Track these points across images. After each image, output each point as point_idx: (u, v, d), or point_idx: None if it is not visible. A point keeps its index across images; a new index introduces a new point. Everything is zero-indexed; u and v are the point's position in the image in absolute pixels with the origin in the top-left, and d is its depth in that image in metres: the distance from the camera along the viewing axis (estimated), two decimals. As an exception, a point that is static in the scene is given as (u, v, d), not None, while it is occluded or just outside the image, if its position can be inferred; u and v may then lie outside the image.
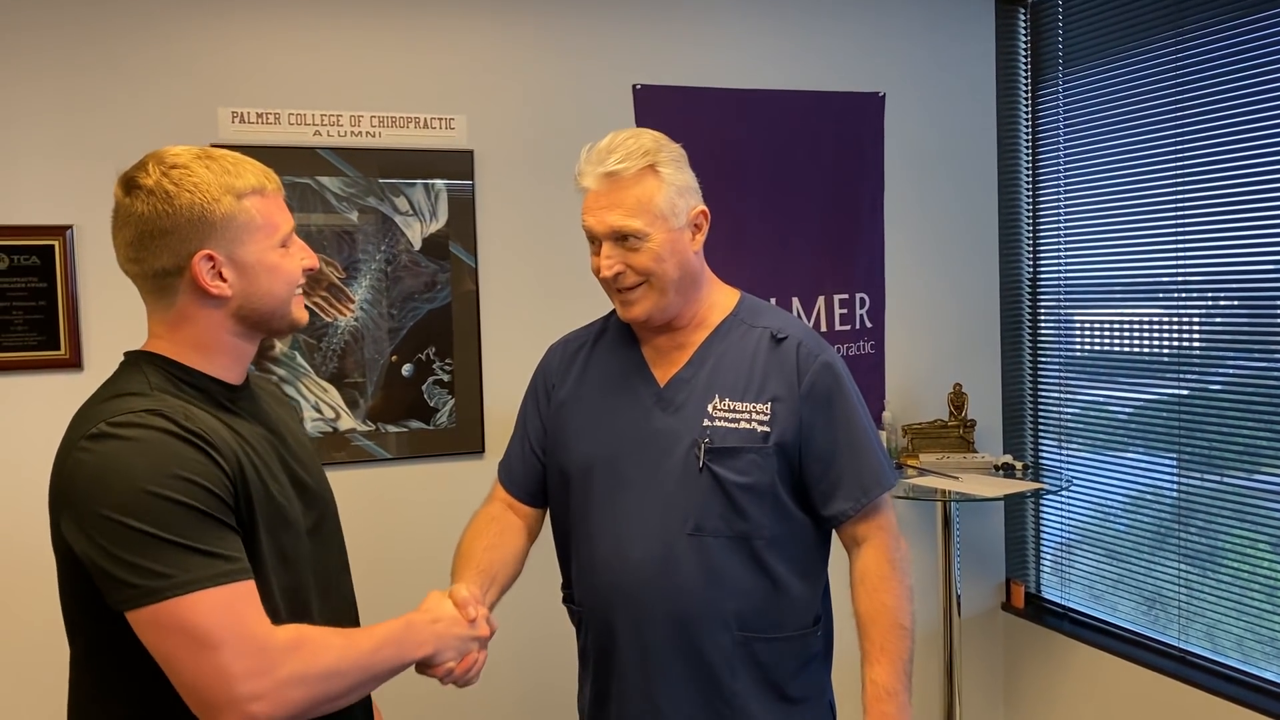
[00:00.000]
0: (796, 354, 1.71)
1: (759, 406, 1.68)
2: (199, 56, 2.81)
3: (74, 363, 2.70)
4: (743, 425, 1.68)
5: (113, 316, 2.73)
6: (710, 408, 1.70)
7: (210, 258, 1.32)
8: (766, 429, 1.67)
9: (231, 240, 1.33)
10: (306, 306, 1.53)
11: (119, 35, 2.74)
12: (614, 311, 1.87)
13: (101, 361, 2.73)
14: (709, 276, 1.79)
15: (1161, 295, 3.09)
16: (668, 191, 1.66)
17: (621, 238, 1.66)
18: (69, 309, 2.70)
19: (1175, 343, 3.05)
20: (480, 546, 1.77)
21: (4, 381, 2.66)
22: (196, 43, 2.80)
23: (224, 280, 1.34)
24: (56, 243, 2.69)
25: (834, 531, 1.78)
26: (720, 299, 1.79)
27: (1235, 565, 2.88)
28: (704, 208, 1.73)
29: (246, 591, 1.24)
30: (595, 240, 1.70)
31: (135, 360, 1.37)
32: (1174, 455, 3.05)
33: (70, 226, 2.70)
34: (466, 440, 3.03)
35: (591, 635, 1.78)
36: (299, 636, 1.27)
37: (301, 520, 1.43)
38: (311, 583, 1.42)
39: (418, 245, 2.98)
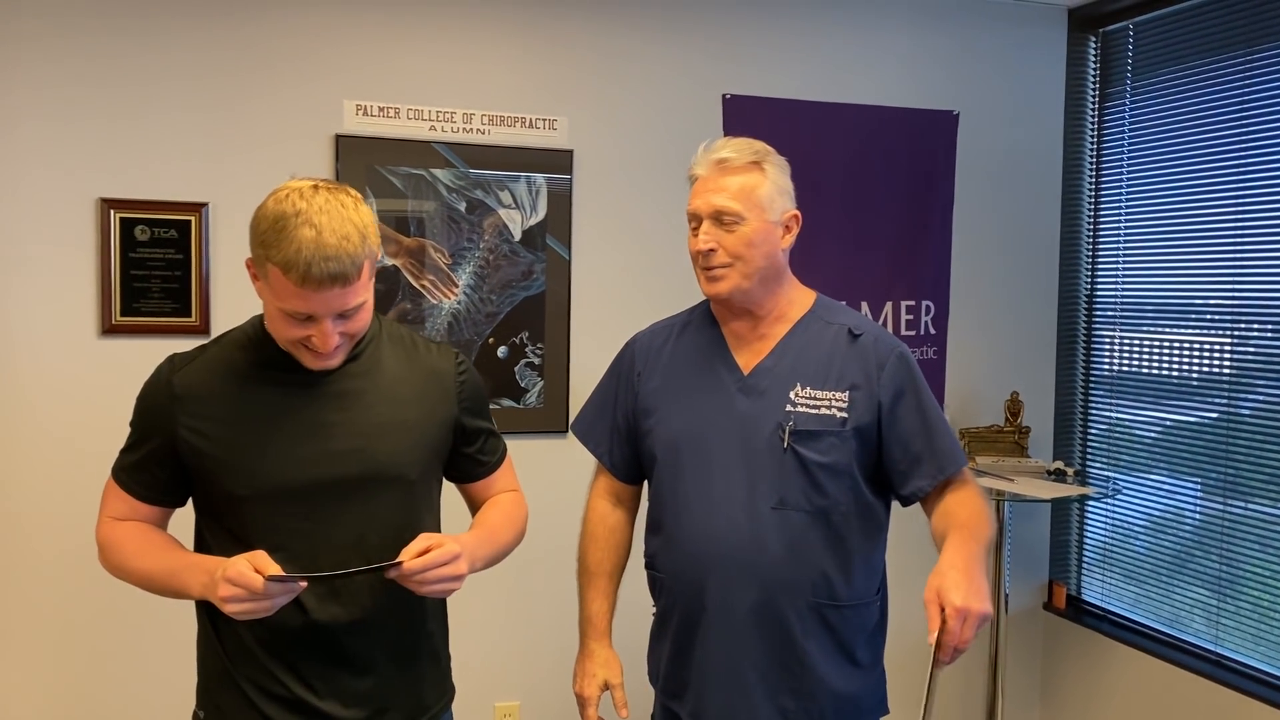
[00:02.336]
0: (874, 347, 1.89)
1: (838, 395, 1.86)
2: (329, 51, 3.02)
3: (203, 329, 2.92)
4: (823, 411, 1.85)
5: (240, 288, 2.94)
6: (793, 395, 1.87)
7: (253, 265, 1.56)
8: (845, 415, 1.85)
9: (259, 271, 1.54)
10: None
11: (255, 31, 2.96)
12: (698, 306, 2.05)
13: (228, 328, 2.95)
14: (791, 276, 1.97)
15: (1215, 318, 3.22)
16: (769, 187, 1.86)
17: (720, 218, 1.83)
18: (201, 280, 2.92)
19: (1226, 366, 3.18)
20: (606, 567, 2.06)
21: (141, 344, 2.89)
22: (327, 40, 3.01)
23: (258, 287, 1.58)
24: (193, 218, 2.91)
25: (920, 505, 1.93)
26: (799, 297, 1.96)
27: (1261, 592, 3.02)
28: (797, 212, 1.92)
29: (117, 491, 1.68)
30: (697, 220, 1.86)
31: (255, 321, 1.69)
32: (1218, 476, 3.17)
33: (206, 204, 2.92)
34: (553, 419, 3.23)
35: (677, 599, 1.94)
36: (106, 540, 1.68)
37: (294, 481, 1.61)
38: (294, 530, 1.61)
39: (517, 236, 3.18)
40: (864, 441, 1.87)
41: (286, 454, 1.60)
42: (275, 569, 1.48)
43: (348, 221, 1.48)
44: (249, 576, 1.45)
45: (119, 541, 1.66)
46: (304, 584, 1.50)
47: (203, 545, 1.69)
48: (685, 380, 1.96)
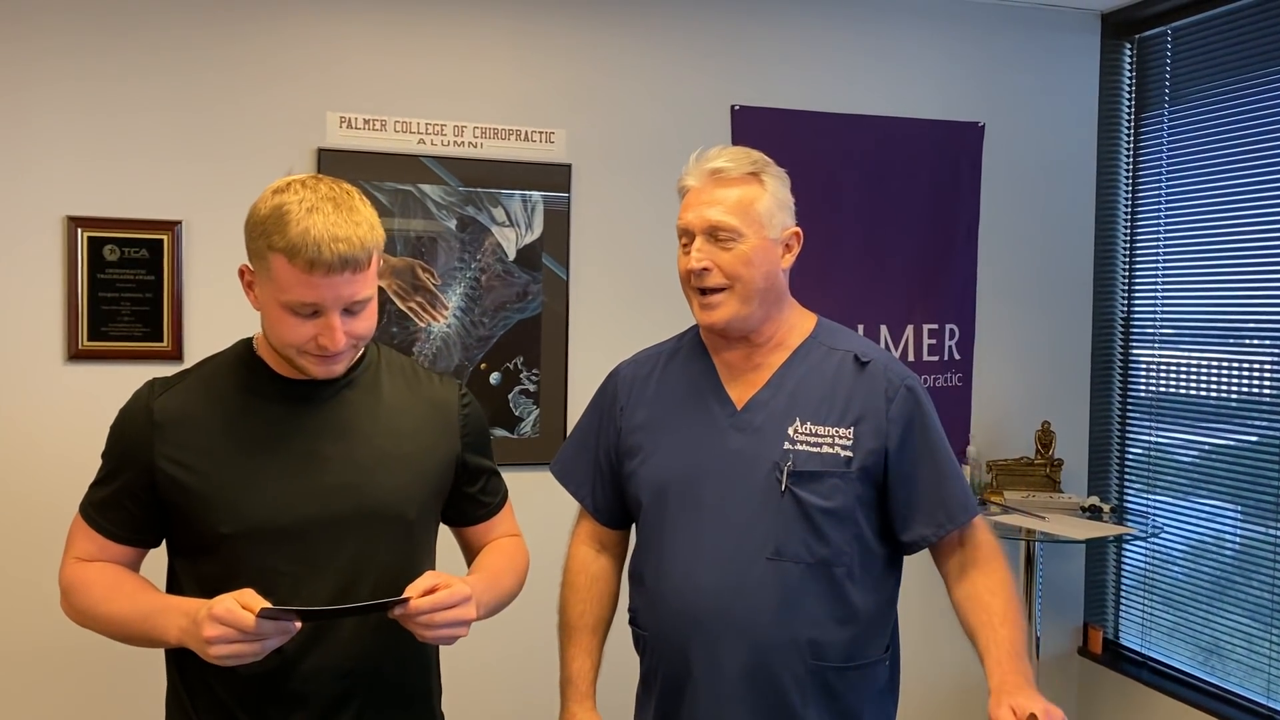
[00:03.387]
0: (884, 377, 1.70)
1: (842, 431, 1.68)
2: (311, 61, 2.87)
3: (175, 355, 2.77)
4: (825, 449, 1.67)
5: (215, 311, 2.79)
6: (791, 431, 1.69)
7: (248, 271, 1.47)
8: (849, 453, 1.66)
9: (258, 270, 1.45)
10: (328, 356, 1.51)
11: (233, 38, 2.81)
12: (687, 332, 1.87)
13: (201, 355, 2.77)
14: (791, 299, 1.79)
15: (1260, 339, 3.01)
16: (768, 201, 1.69)
17: (715, 235, 1.67)
18: (173, 302, 2.77)
19: (1268, 386, 2.97)
20: (587, 621, 1.87)
21: (109, 370, 2.73)
22: (308, 47, 2.86)
23: (254, 294, 1.48)
24: (165, 237, 2.76)
25: (931, 557, 1.75)
26: (798, 322, 1.78)
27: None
28: (798, 229, 1.74)
29: (85, 530, 1.55)
30: (689, 237, 1.71)
31: (241, 343, 1.58)
32: (1270, 504, 2.97)
33: (179, 222, 2.77)
34: (549, 450, 3.02)
35: (661, 660, 1.76)
36: (70, 583, 1.53)
37: (283, 519, 1.48)
38: (280, 574, 1.48)
39: (512, 255, 3.01)
40: (870, 483, 1.68)
41: (276, 488, 1.48)
42: (266, 605, 1.35)
43: (355, 209, 1.42)
44: (238, 614, 1.32)
45: (86, 584, 1.51)
46: (299, 624, 1.36)
47: (176, 590, 1.55)
48: (672, 416, 1.78)
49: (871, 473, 1.67)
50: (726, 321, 1.69)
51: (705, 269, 1.67)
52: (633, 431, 1.81)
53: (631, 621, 1.85)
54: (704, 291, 1.69)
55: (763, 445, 1.69)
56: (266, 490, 1.48)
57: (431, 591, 1.41)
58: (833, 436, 1.68)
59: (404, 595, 1.40)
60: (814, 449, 1.67)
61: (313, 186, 1.42)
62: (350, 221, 1.40)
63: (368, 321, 1.47)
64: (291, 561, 1.48)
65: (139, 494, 1.50)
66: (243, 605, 1.33)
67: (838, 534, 1.66)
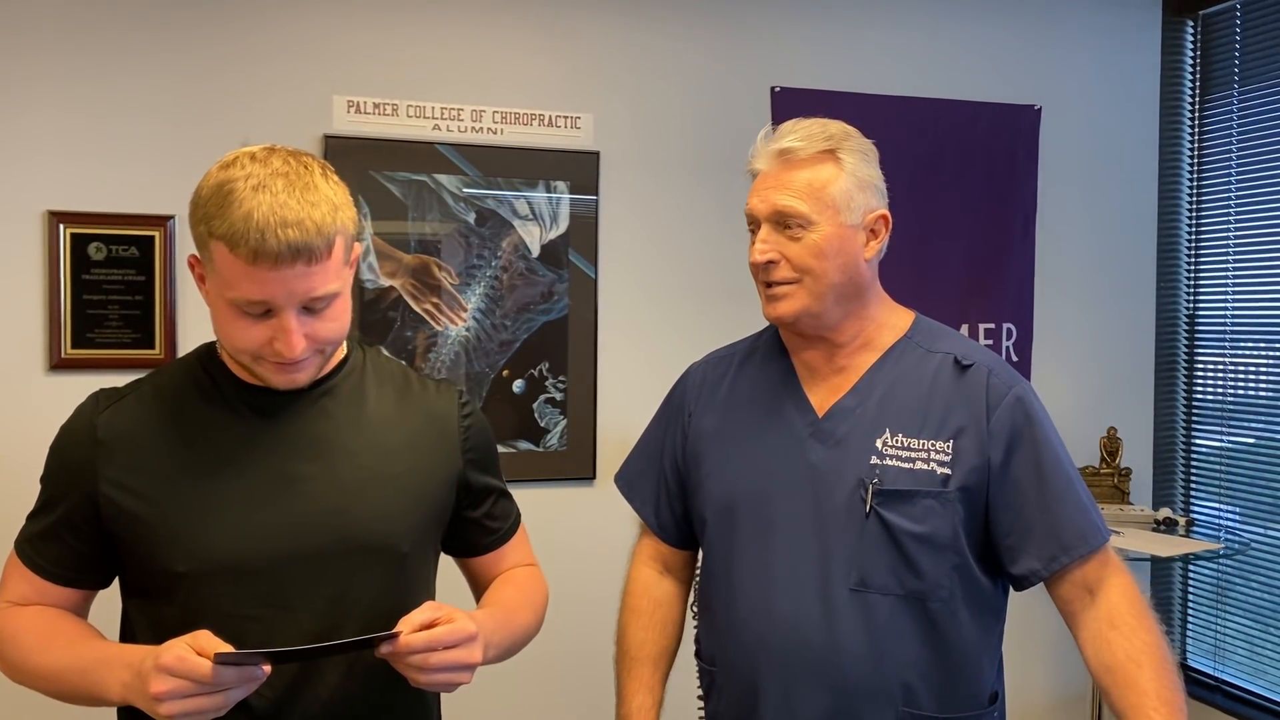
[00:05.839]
0: (986, 384, 1.51)
1: (939, 445, 1.48)
2: (315, 41, 2.68)
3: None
4: (919, 466, 1.48)
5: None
6: (879, 443, 1.50)
7: (197, 262, 1.30)
8: (947, 471, 1.47)
9: (204, 260, 1.27)
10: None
11: (229, 14, 2.63)
12: (765, 330, 1.69)
13: None
14: (880, 294, 1.60)
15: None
16: (845, 182, 1.50)
17: (783, 222, 1.49)
18: (166, 306, 2.58)
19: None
20: (649, 651, 1.70)
21: (95, 381, 2.44)
22: (313, 27, 2.68)
23: (205, 289, 1.31)
24: (157, 234, 2.58)
25: (1049, 590, 1.53)
26: (892, 320, 1.59)
27: None
28: (886, 213, 1.54)
29: (20, 569, 1.37)
30: (756, 224, 1.54)
31: (204, 346, 1.41)
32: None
33: (172, 216, 2.58)
34: (577, 464, 2.84)
35: (728, 702, 1.58)
36: (1, 632, 1.34)
37: (250, 554, 1.31)
38: (248, 619, 1.30)
39: (536, 252, 2.81)
40: (972, 506, 1.48)
41: (240, 518, 1.31)
42: (225, 648, 1.17)
43: (313, 187, 1.23)
44: (192, 661, 1.14)
45: (17, 632, 1.33)
46: (267, 668, 1.18)
47: (129, 638, 1.38)
48: (745, 423, 1.60)
49: (973, 495, 1.47)
50: (795, 315, 1.51)
51: (771, 261, 1.49)
52: (700, 438, 1.63)
53: (697, 655, 1.67)
54: (770, 284, 1.51)
55: (847, 459, 1.50)
56: (230, 520, 1.30)
57: (429, 627, 1.23)
58: (928, 451, 1.48)
59: (395, 630, 1.23)
60: (906, 465, 1.48)
61: (264, 160, 1.23)
62: (305, 202, 1.21)
63: (334, 322, 1.28)
64: (262, 604, 1.30)
65: (80, 526, 1.33)
66: (197, 650, 1.15)
67: (932, 563, 1.47)
